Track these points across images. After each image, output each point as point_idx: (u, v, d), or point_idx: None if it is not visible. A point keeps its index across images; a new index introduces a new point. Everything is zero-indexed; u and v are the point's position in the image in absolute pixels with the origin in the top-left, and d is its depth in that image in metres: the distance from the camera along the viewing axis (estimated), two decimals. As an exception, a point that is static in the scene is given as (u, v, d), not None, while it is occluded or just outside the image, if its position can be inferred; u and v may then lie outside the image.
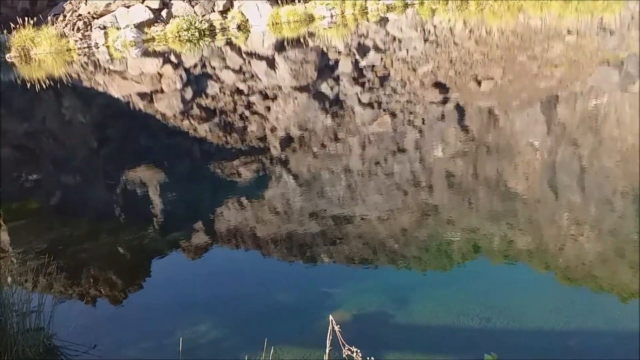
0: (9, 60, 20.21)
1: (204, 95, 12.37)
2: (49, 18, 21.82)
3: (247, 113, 10.47)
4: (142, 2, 21.51)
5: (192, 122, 10.33)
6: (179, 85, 13.82)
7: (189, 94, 12.97)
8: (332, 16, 21.51)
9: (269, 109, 10.65)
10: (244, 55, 16.69)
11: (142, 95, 13.03)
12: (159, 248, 5.46)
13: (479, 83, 10.64)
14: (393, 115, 9.05)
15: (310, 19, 21.74)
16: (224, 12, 22.16)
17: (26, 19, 20.59)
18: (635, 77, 9.45)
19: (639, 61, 10.32)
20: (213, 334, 3.80)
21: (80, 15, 22.08)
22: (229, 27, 21.72)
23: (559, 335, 3.48)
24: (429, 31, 17.50)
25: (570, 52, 12.42)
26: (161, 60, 17.50)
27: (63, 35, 21.28)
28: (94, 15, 22.00)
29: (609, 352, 3.33)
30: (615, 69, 10.25)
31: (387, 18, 20.53)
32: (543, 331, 3.54)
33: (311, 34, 19.22)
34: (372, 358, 2.16)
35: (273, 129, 9.21)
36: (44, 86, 14.89)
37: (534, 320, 3.62)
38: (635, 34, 13.21)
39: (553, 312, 3.67)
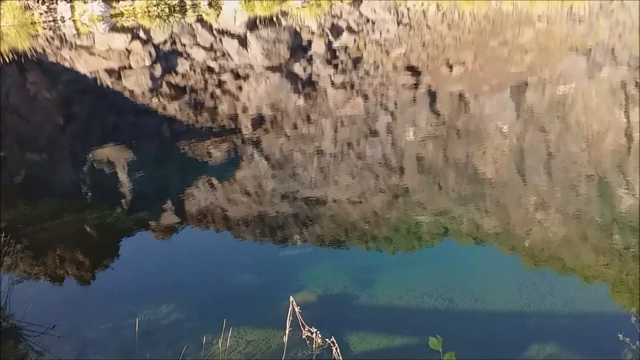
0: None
1: (173, 73, 12.11)
2: (12, -11, 20.93)
3: (218, 92, 10.29)
4: (111, -25, 20.82)
5: (162, 100, 10.12)
6: (147, 62, 13.48)
7: (158, 71, 12.67)
8: (306, -5, 21.19)
9: (240, 88, 10.50)
10: (215, 33, 16.36)
11: (110, 72, 12.68)
12: (126, 228, 5.35)
13: (451, 67, 10.68)
14: (365, 97, 9.03)
15: (284, -3, 21.38)
16: (195, -12, 21.61)
17: (-13, -11, 19.73)
18: (602, 64, 9.62)
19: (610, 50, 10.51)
20: (174, 316, 3.75)
21: (45, -13, 21.24)
22: (199, 3, 21.23)
23: (517, 316, 3.56)
24: (402, 14, 17.45)
25: (540, 38, 12.56)
26: (130, 35, 17.01)
27: (27, 8, 20.47)
28: (60, -12, 21.19)
29: (564, 332, 3.41)
30: (583, 56, 10.42)
31: (362, -1, 20.39)
32: (503, 312, 3.61)
33: (284, 13, 18.95)
34: (332, 338, 2.15)
35: (245, 109, 9.08)
36: (7, 60, 14.34)
37: (495, 301, 3.69)
38: (603, 23, 13.44)
39: (515, 293, 3.75)
